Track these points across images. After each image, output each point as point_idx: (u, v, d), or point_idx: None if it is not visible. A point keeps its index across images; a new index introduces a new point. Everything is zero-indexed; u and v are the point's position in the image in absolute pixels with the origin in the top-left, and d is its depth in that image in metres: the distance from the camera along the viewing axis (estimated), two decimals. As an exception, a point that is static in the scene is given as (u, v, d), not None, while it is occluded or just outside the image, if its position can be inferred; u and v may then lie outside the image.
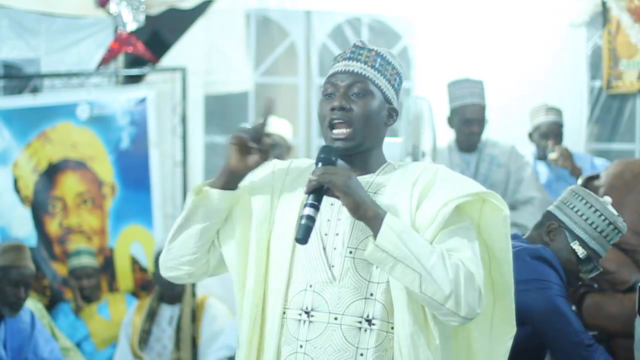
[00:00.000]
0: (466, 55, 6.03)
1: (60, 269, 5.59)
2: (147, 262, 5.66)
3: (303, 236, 2.09)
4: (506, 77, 5.95)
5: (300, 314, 2.17)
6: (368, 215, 2.08)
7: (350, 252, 2.17)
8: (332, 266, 2.17)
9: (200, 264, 2.29)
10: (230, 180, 2.22)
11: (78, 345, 5.10)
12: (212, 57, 6.08)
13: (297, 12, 6.30)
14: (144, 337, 4.82)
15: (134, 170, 5.70)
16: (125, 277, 5.68)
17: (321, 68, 6.31)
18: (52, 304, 5.47)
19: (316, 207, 2.10)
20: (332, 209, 2.19)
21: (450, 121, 5.27)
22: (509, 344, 2.29)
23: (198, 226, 2.23)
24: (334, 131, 2.22)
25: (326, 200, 2.14)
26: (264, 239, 2.23)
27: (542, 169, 5.57)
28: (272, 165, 2.33)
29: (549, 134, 5.52)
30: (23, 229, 5.62)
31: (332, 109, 2.21)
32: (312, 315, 2.16)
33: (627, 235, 4.68)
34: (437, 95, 5.56)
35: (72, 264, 5.38)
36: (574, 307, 4.51)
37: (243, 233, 2.25)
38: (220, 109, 6.30)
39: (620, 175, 4.85)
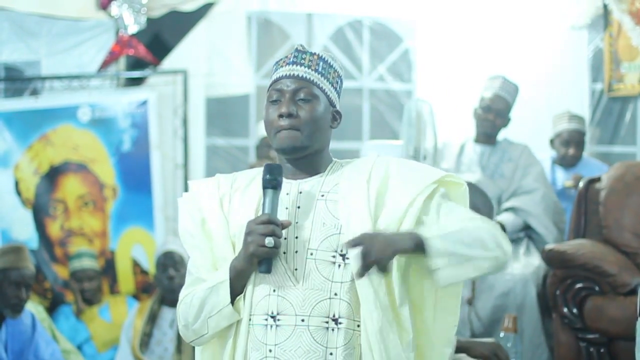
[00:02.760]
0: (467, 58, 6.04)
1: (62, 272, 5.59)
2: (148, 265, 5.66)
3: (266, 269, 2.15)
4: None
5: (266, 319, 2.18)
6: (409, 250, 2.11)
7: (311, 254, 2.19)
8: (295, 269, 2.19)
9: None
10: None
11: (79, 347, 5.09)
12: (214, 59, 6.08)
13: (298, 15, 6.30)
14: (145, 340, 4.82)
15: (135, 172, 5.71)
16: (126, 280, 5.68)
17: (322, 71, 6.30)
18: (53, 307, 5.47)
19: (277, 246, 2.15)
20: (288, 213, 2.21)
21: (475, 113, 5.33)
22: (452, 332, 2.30)
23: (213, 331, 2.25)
24: (282, 133, 2.23)
25: (281, 203, 2.20)
26: (229, 255, 2.24)
27: (560, 175, 5.59)
28: (216, 181, 2.35)
29: (570, 141, 5.55)
30: (24, 231, 5.62)
31: (280, 116, 2.22)
32: (278, 319, 2.17)
33: (629, 238, 4.69)
34: (438, 98, 5.56)
35: (74, 266, 5.38)
36: (575, 310, 4.52)
37: (212, 256, 2.28)
38: (222, 111, 6.30)
39: (622, 178, 4.86)
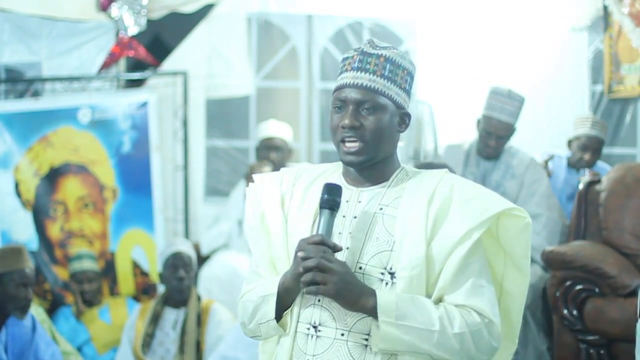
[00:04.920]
0: (468, 59, 6.04)
1: (62, 273, 5.59)
2: (148, 266, 5.66)
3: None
4: (508, 81, 5.95)
5: (308, 328, 2.16)
6: (366, 309, 2.08)
7: (360, 268, 2.14)
8: None
9: None
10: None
11: (79, 349, 5.09)
12: (214, 61, 6.08)
13: (298, 16, 6.30)
14: (147, 341, 4.80)
15: (135, 174, 5.71)
16: (126, 281, 5.68)
17: (323, 72, 6.31)
18: (53, 308, 5.47)
19: None
20: (344, 222, 2.17)
21: (478, 125, 5.20)
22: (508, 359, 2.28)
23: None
24: (346, 144, 2.18)
25: (340, 210, 2.15)
26: (283, 255, 2.22)
27: (574, 174, 5.55)
28: (280, 176, 2.32)
29: (588, 147, 5.47)
30: (24, 233, 5.62)
31: (343, 127, 2.17)
32: (319, 330, 2.15)
33: (629, 240, 4.70)
34: (438, 99, 5.55)
35: (74, 268, 5.38)
36: (575, 311, 4.52)
37: (269, 252, 2.26)
38: (222, 113, 6.30)
39: (622, 180, 4.86)
